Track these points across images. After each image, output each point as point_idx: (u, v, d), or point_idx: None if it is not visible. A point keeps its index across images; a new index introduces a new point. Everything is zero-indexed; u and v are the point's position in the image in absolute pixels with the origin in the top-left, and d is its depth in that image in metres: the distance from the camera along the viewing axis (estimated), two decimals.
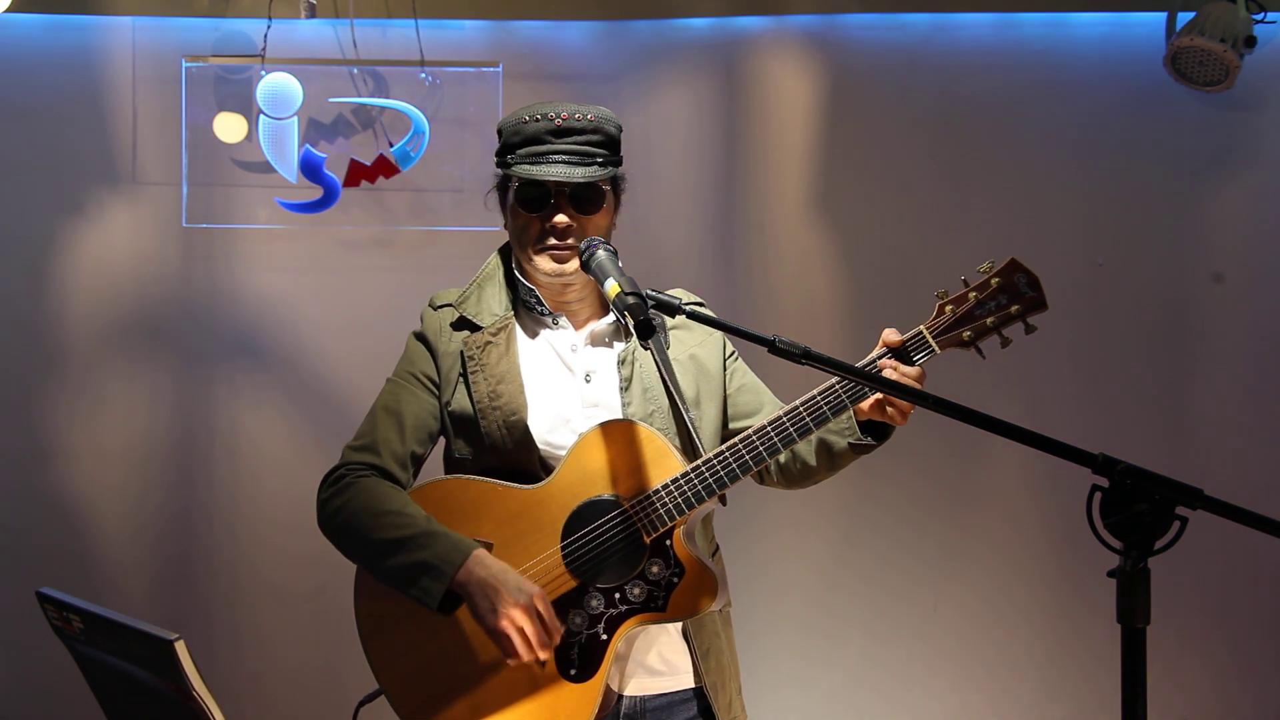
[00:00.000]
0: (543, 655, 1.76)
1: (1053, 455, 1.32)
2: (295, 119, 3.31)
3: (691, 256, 3.40)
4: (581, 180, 1.86)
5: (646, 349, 1.90)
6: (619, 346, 1.96)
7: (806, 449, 1.92)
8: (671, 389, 1.90)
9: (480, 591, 1.76)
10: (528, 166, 1.87)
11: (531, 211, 1.89)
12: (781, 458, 1.90)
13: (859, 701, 3.39)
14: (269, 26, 3.28)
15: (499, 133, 1.95)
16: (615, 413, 1.89)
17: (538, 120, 1.87)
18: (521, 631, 1.74)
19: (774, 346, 1.47)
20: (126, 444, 3.39)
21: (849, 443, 1.85)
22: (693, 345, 2.00)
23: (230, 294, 3.42)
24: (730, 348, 2.06)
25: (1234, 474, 3.26)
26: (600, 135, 1.89)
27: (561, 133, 1.87)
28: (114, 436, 3.39)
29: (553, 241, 1.88)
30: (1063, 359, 3.30)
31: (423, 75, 3.35)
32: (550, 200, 1.88)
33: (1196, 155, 3.36)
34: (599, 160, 1.88)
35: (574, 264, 1.88)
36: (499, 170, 1.95)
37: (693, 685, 1.93)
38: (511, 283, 1.99)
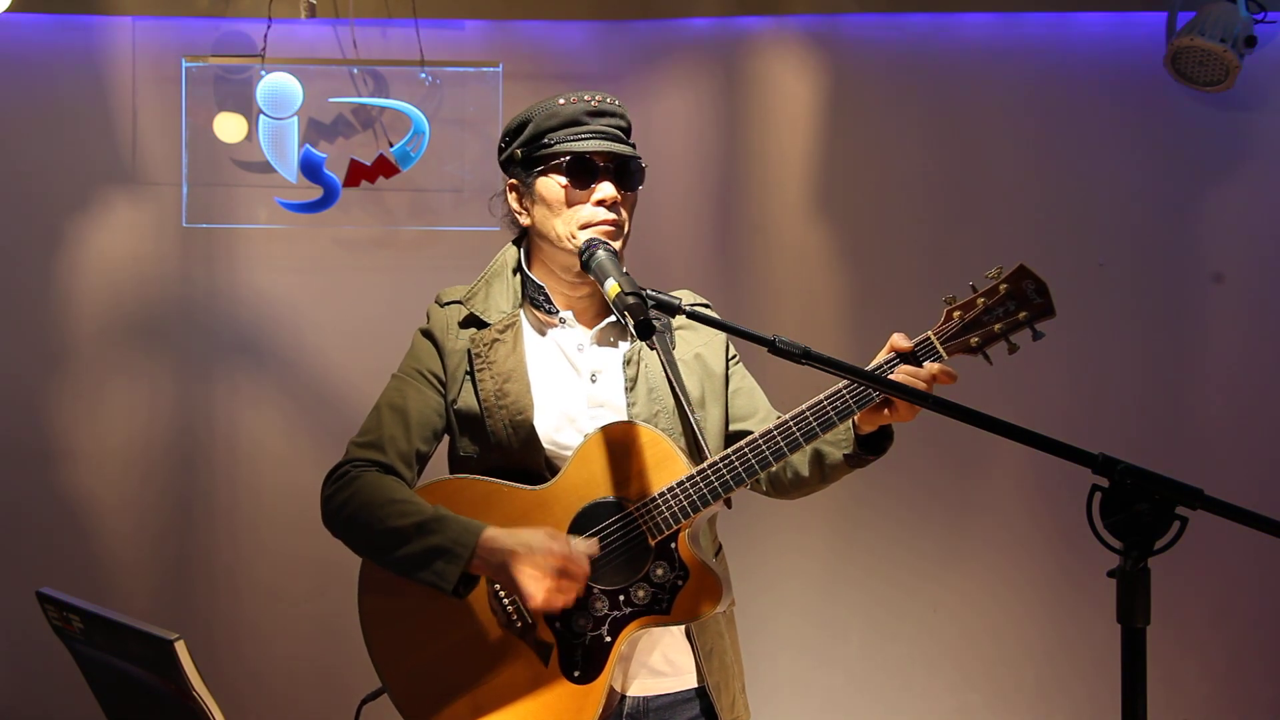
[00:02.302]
0: (576, 593, 1.75)
1: (1053, 455, 1.32)
2: (295, 119, 3.32)
3: (691, 256, 3.40)
4: (630, 154, 1.88)
5: (653, 348, 1.90)
6: (625, 346, 1.95)
7: (800, 459, 1.91)
8: (677, 389, 1.90)
9: (499, 569, 1.76)
10: (574, 143, 1.87)
11: (581, 187, 1.88)
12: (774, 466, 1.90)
13: (859, 701, 3.39)
14: (269, 26, 3.28)
15: (522, 125, 1.93)
16: (620, 413, 1.89)
17: (574, 102, 1.89)
18: (562, 580, 1.74)
19: (774, 346, 1.46)
20: (127, 443, 3.40)
21: (844, 455, 1.85)
22: (698, 345, 1.99)
23: (230, 294, 3.42)
24: (732, 350, 2.06)
25: (1234, 474, 3.26)
26: (625, 121, 1.93)
27: (598, 114, 1.89)
28: (114, 436, 3.39)
29: (603, 216, 1.87)
30: (1063, 359, 3.30)
31: (423, 75, 3.35)
32: (596, 176, 1.88)
33: (1196, 155, 3.36)
34: (630, 144, 1.92)
35: (619, 243, 1.88)
36: (530, 156, 1.91)
37: (695, 685, 1.92)
38: (521, 279, 1.98)
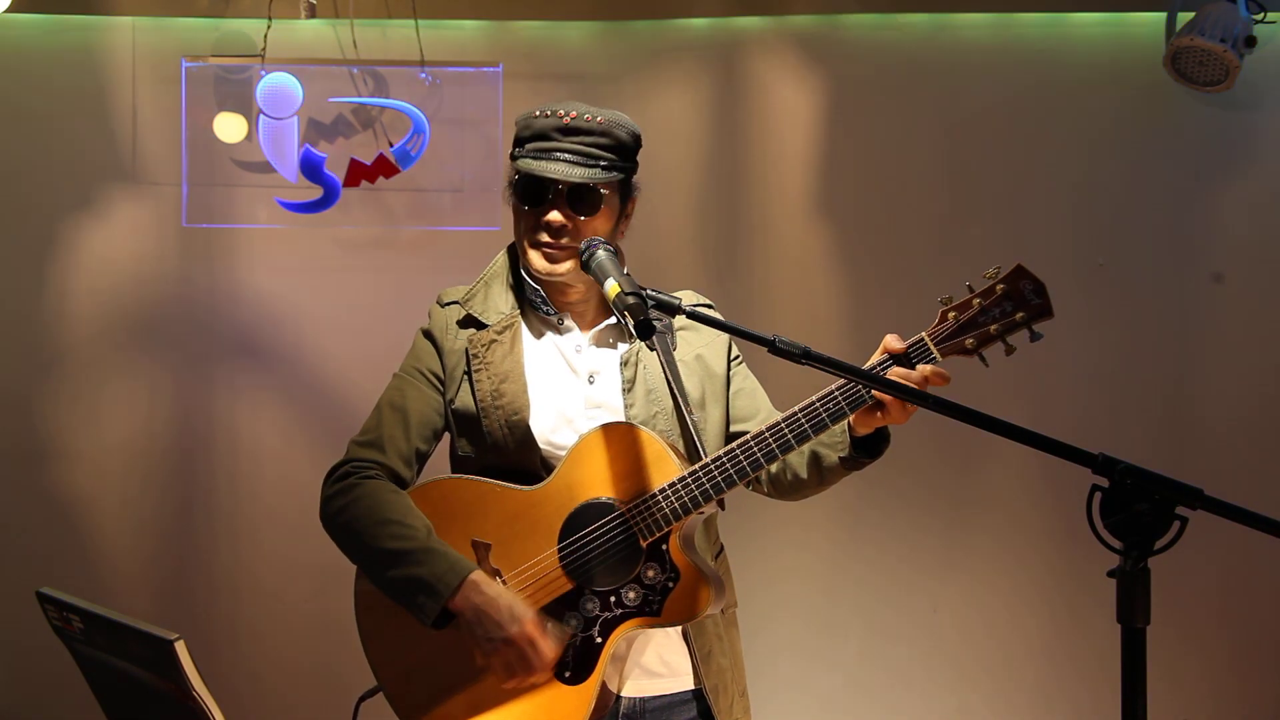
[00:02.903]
0: (538, 679, 1.77)
1: (1053, 455, 1.32)
2: (295, 119, 3.31)
3: (692, 257, 3.40)
4: (578, 180, 1.85)
5: (652, 349, 1.90)
6: (623, 348, 1.95)
7: (799, 460, 1.91)
8: (675, 391, 1.90)
9: (475, 617, 1.77)
10: (530, 161, 1.86)
11: (528, 207, 1.89)
12: (773, 467, 1.90)
13: (858, 702, 3.39)
14: (269, 26, 3.28)
15: (514, 129, 1.95)
16: (618, 414, 1.89)
17: (547, 117, 1.87)
18: (514, 660, 1.75)
19: (774, 346, 1.46)
20: (126, 443, 3.40)
21: (840, 457, 1.84)
22: (699, 346, 1.99)
23: (230, 294, 3.42)
24: (735, 350, 2.05)
25: (1234, 474, 3.26)
26: (609, 139, 1.88)
27: (568, 131, 1.86)
28: (114, 436, 3.39)
29: (545, 239, 1.87)
30: (1063, 359, 3.30)
31: (423, 75, 3.35)
32: (548, 197, 1.87)
33: (1196, 155, 3.36)
34: (603, 164, 1.87)
35: (566, 265, 1.87)
36: (510, 160, 1.94)
37: (693, 687, 1.92)
38: (519, 281, 1.99)
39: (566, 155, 1.85)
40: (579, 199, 1.87)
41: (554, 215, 1.86)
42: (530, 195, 1.88)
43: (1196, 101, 3.32)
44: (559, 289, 1.94)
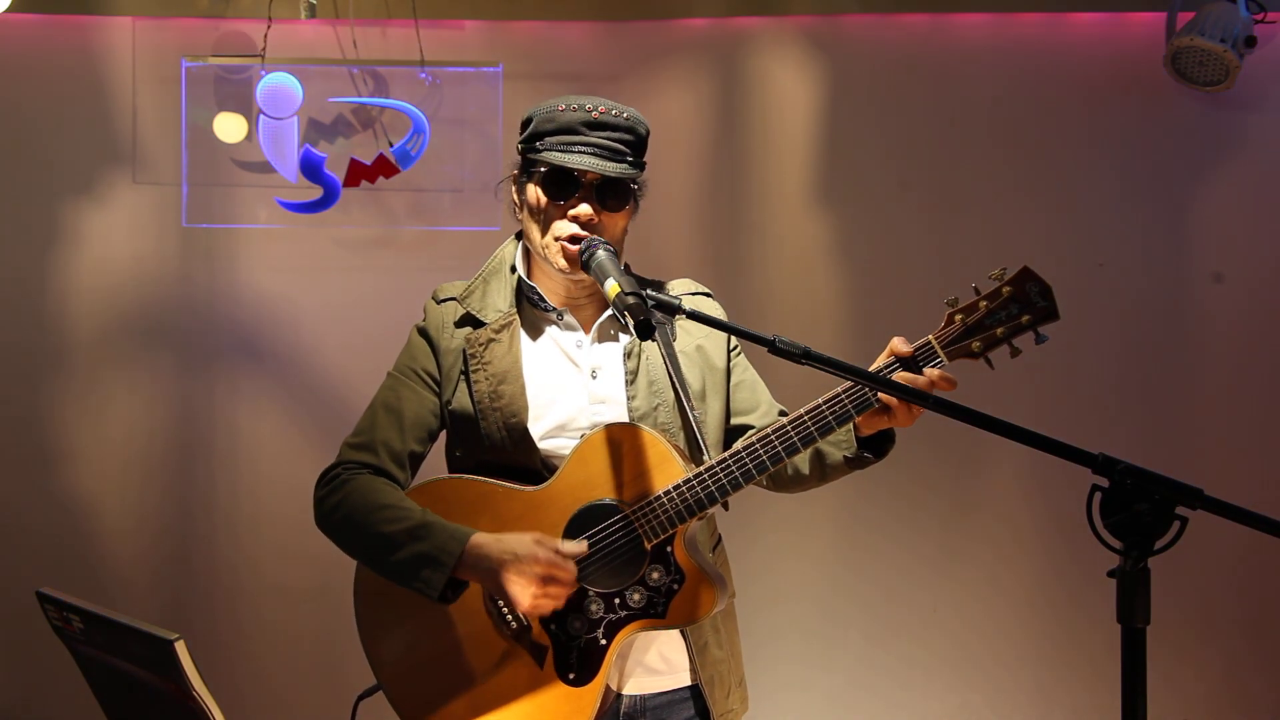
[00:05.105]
0: (564, 596, 1.75)
1: (1053, 455, 1.32)
2: (295, 119, 3.31)
3: (692, 256, 3.40)
4: (613, 174, 1.84)
5: (654, 342, 1.90)
6: (625, 340, 1.94)
7: (801, 458, 1.90)
8: (677, 383, 1.90)
9: (489, 577, 1.76)
10: (559, 154, 1.84)
11: (556, 200, 1.87)
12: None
13: (858, 703, 3.39)
14: (269, 26, 3.28)
15: (526, 122, 1.92)
16: (621, 407, 1.88)
17: (574, 110, 1.86)
18: (538, 596, 1.73)
19: (774, 346, 1.46)
20: (127, 444, 3.40)
21: (845, 457, 1.84)
22: (699, 337, 1.99)
23: (230, 294, 3.42)
24: (734, 341, 2.05)
25: (1234, 474, 3.26)
26: (632, 135, 1.88)
27: (596, 125, 1.85)
28: (114, 436, 3.39)
29: (573, 233, 1.86)
30: (1063, 359, 3.30)
31: (423, 75, 3.35)
32: (576, 191, 1.86)
33: (1196, 155, 3.36)
34: (629, 159, 1.87)
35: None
36: (525, 155, 1.92)
37: (691, 683, 1.92)
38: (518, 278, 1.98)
39: (594, 149, 1.84)
40: (609, 193, 1.87)
41: (584, 209, 1.85)
42: (558, 189, 1.86)
43: (1196, 101, 3.32)
44: (559, 286, 1.93)
